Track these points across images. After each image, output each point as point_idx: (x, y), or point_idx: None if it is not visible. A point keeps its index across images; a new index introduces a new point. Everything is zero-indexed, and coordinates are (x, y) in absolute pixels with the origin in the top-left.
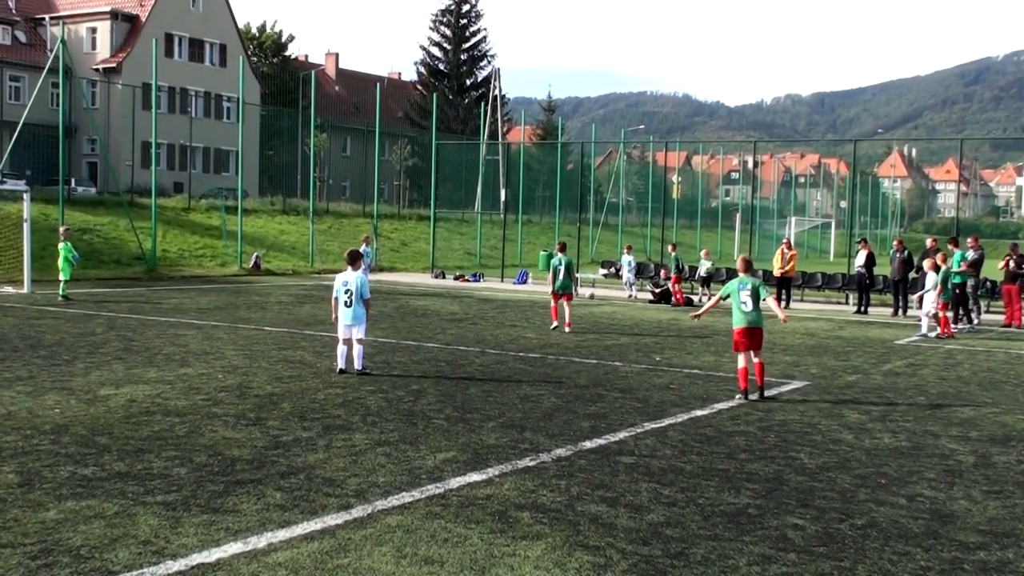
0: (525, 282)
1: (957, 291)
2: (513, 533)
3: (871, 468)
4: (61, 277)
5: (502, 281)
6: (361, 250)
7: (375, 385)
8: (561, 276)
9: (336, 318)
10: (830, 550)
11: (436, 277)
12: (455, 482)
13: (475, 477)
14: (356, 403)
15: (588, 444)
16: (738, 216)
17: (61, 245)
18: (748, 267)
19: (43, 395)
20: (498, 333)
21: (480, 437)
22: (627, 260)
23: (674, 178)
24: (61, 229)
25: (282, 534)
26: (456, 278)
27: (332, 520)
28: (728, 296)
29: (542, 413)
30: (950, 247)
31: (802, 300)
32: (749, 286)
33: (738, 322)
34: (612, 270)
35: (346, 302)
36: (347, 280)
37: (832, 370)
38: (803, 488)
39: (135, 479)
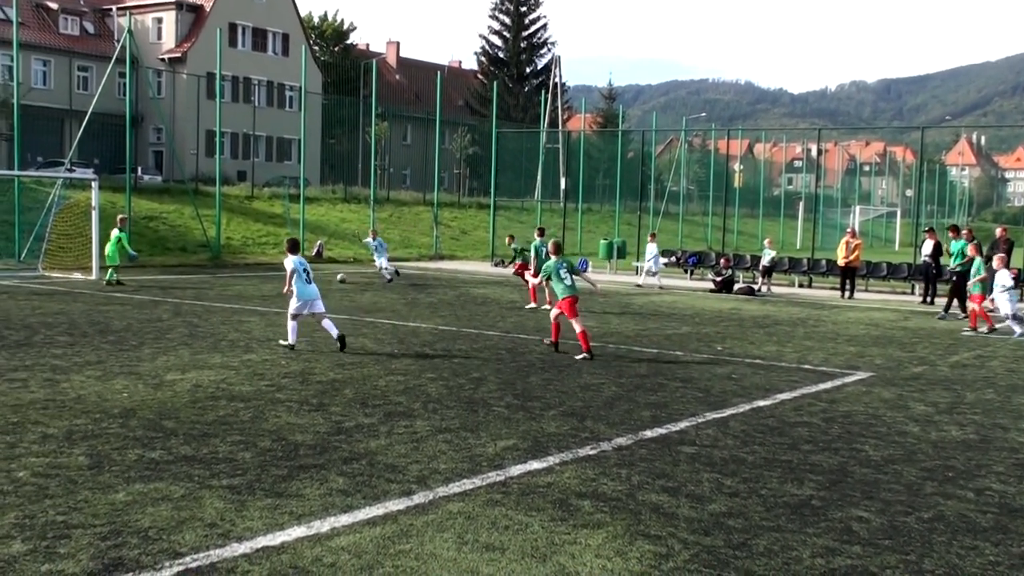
0: (585, 271)
1: (955, 279)
2: (574, 521)
3: (938, 461)
4: (108, 263)
5: None
6: (368, 240)
7: (436, 372)
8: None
9: (288, 291)
10: (896, 543)
11: (496, 265)
12: (516, 470)
13: (536, 465)
14: (417, 390)
15: (649, 433)
16: (801, 205)
17: (119, 233)
18: (559, 250)
19: (112, 379)
20: None
21: (540, 425)
22: (651, 248)
23: (736, 166)
24: (118, 217)
25: (345, 519)
26: None
27: (394, 506)
28: (550, 275)
29: (602, 402)
30: (950, 236)
31: (867, 290)
32: (566, 264)
33: (564, 293)
34: (673, 259)
35: (306, 279)
36: (303, 260)
37: (898, 361)
38: (868, 480)
39: (201, 463)
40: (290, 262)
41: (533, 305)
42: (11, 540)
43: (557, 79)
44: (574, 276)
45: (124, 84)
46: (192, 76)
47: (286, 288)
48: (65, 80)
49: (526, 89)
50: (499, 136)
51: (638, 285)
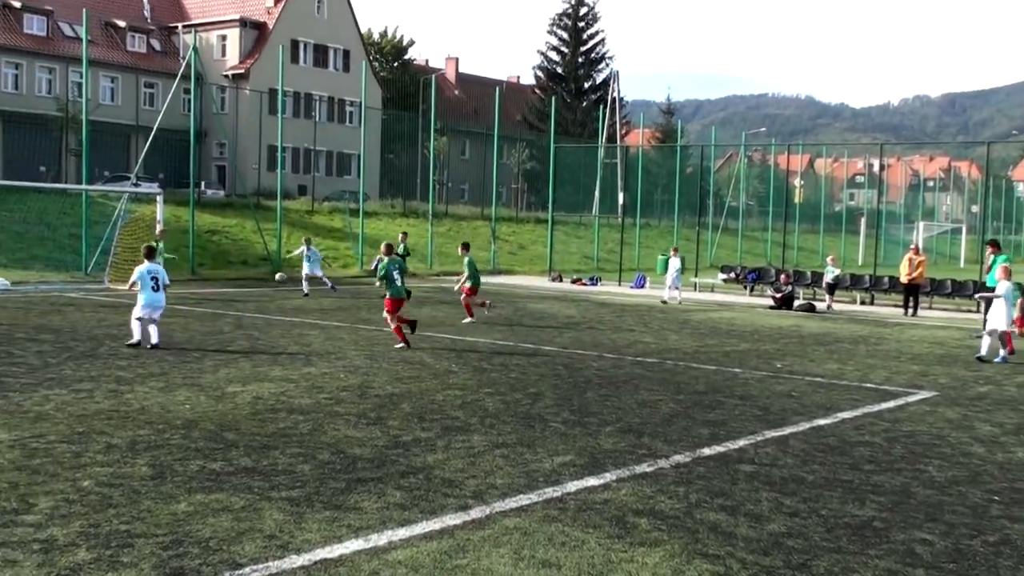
0: (643, 286)
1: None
2: (631, 539)
3: (1004, 483)
4: None
5: (619, 285)
6: (302, 249)
7: (493, 388)
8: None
9: (133, 291)
10: (960, 567)
11: (553, 280)
12: (572, 486)
13: (592, 481)
14: (474, 405)
15: (707, 451)
16: (863, 220)
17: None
18: (390, 251)
19: (174, 391)
20: (615, 337)
21: (597, 441)
22: (674, 263)
23: (796, 182)
24: (158, 229)
25: (402, 532)
26: (573, 281)
27: (451, 520)
28: (385, 273)
29: (660, 419)
30: (989, 251)
31: (931, 308)
32: (398, 266)
33: (395, 293)
34: (732, 275)
35: (153, 287)
36: (152, 268)
37: (962, 380)
38: (931, 502)
39: (261, 474)
40: (136, 272)
41: (470, 319)
42: (76, 548)
43: (615, 94)
44: (403, 278)
45: (189, 100)
46: (255, 92)
47: (128, 286)
48: (132, 96)
49: (584, 104)
50: (557, 151)
51: (663, 302)
